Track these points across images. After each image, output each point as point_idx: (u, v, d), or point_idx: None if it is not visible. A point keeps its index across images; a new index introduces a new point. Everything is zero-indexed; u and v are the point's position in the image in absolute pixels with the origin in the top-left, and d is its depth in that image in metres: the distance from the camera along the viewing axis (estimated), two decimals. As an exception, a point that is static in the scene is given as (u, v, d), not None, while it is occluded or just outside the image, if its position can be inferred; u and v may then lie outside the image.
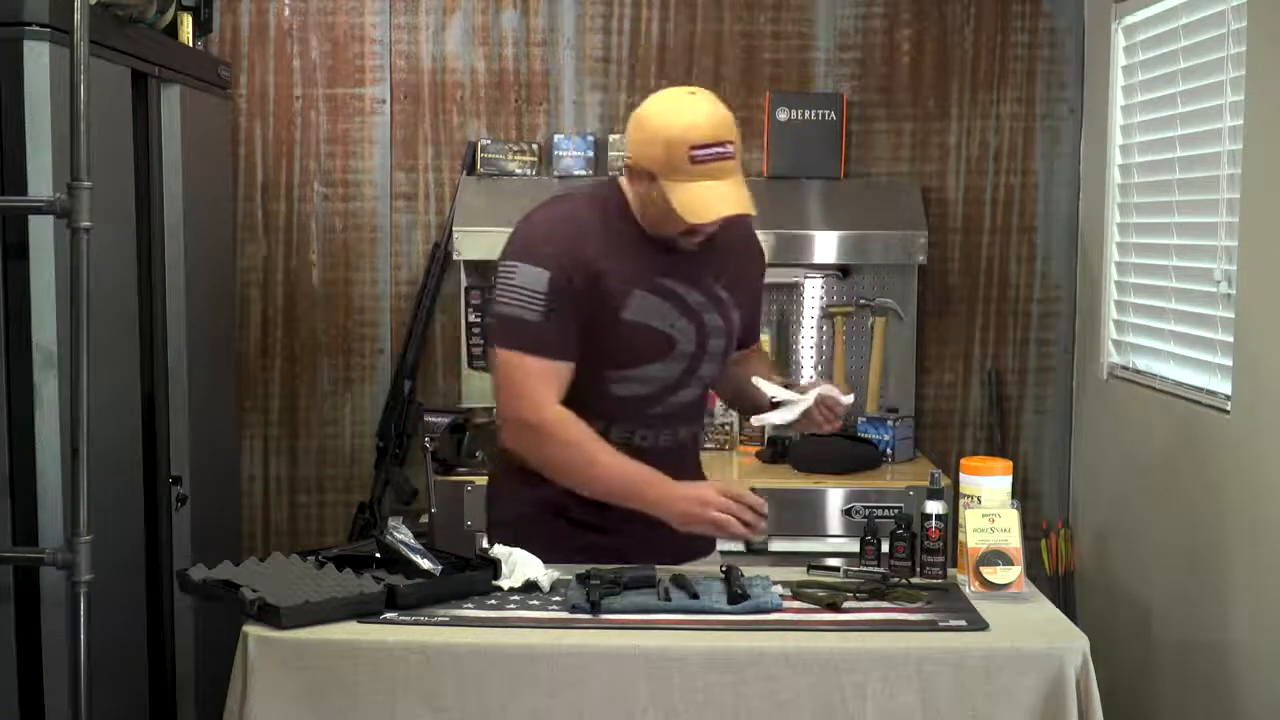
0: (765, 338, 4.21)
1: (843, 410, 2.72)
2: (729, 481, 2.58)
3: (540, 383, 2.56)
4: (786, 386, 2.74)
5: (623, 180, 2.66)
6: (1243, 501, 3.13)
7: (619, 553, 2.56)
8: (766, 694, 2.22)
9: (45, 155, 2.59)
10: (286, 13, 4.25)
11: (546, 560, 2.54)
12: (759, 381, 2.70)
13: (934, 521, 2.60)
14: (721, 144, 2.49)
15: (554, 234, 2.59)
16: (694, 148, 2.47)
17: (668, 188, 2.50)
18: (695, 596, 2.40)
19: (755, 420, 2.74)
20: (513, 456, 2.73)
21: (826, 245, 4.05)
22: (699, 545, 2.71)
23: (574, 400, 2.61)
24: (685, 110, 2.51)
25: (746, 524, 2.51)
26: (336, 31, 4.27)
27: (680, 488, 2.56)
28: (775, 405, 2.70)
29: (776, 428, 2.91)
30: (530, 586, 2.48)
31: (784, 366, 4.25)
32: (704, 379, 2.72)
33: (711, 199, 2.50)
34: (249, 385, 4.32)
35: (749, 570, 2.54)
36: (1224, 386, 3.23)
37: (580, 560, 2.54)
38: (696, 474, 2.80)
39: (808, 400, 2.67)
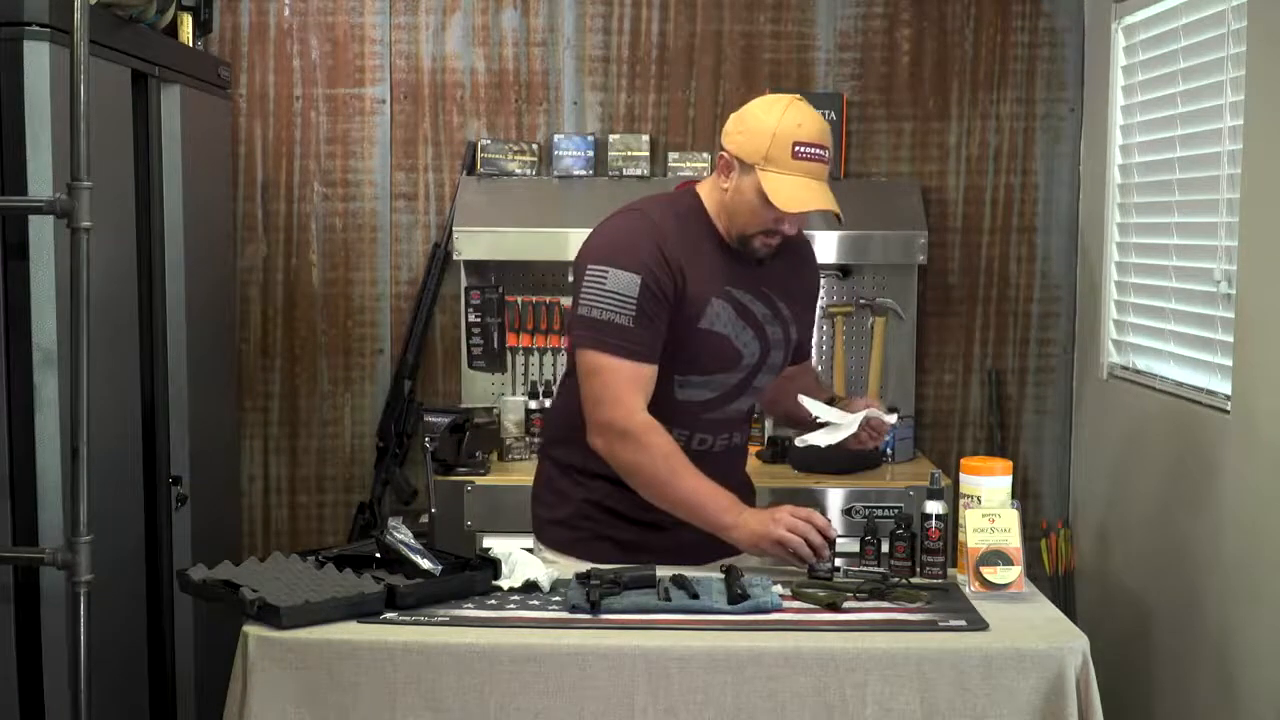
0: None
1: (887, 430, 2.78)
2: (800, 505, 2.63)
3: (630, 387, 2.59)
4: (830, 403, 2.77)
5: (701, 188, 2.74)
6: (1243, 501, 3.13)
7: (675, 551, 2.61)
8: (766, 694, 2.22)
9: (45, 155, 2.59)
10: (286, 13, 4.25)
11: (601, 560, 2.58)
12: (805, 400, 2.73)
13: (934, 521, 2.60)
14: (822, 147, 2.62)
15: (643, 240, 2.63)
16: (798, 143, 2.59)
17: (764, 178, 2.59)
18: (695, 596, 2.40)
19: (799, 440, 2.80)
20: (560, 456, 2.78)
21: (826, 245, 4.05)
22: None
23: None
24: (795, 110, 2.63)
25: (813, 548, 2.53)
26: (336, 31, 4.27)
27: (752, 511, 2.62)
28: (820, 425, 2.71)
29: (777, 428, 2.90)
30: (530, 586, 2.48)
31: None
32: (759, 389, 2.79)
33: (803, 192, 2.60)
34: (249, 385, 4.32)
35: (749, 570, 2.55)
36: (1224, 386, 3.23)
37: (638, 558, 2.57)
38: (744, 476, 2.89)
39: (854, 425, 2.69)
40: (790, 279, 2.81)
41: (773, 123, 2.60)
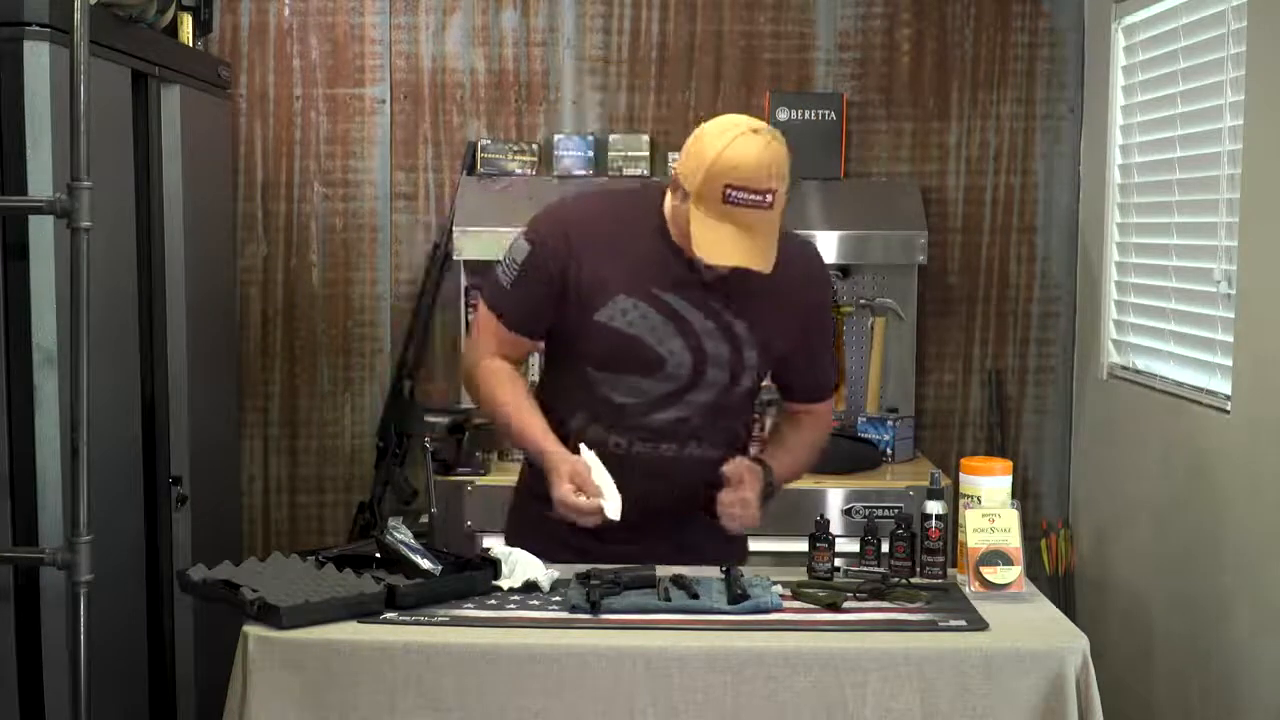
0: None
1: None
2: (586, 466, 2.53)
3: (489, 337, 2.68)
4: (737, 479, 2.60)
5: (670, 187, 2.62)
6: (1243, 501, 3.13)
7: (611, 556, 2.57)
8: (766, 694, 2.22)
9: (45, 155, 2.59)
10: (286, 13, 4.25)
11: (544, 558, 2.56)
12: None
13: (934, 521, 2.60)
14: (761, 193, 2.41)
15: (559, 217, 2.65)
16: (730, 186, 2.40)
17: (693, 214, 2.45)
18: (695, 596, 2.40)
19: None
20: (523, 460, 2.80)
21: (826, 245, 4.05)
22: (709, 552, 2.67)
23: (561, 391, 2.67)
24: (739, 145, 2.41)
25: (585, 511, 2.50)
26: (336, 31, 4.27)
27: (562, 453, 2.55)
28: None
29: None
30: (530, 586, 2.48)
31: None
32: (696, 404, 2.62)
33: (725, 244, 2.43)
34: (249, 385, 4.32)
35: (749, 570, 2.55)
36: (1224, 386, 3.24)
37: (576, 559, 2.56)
38: (691, 493, 2.64)
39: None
40: (767, 303, 2.59)
41: (711, 155, 2.41)
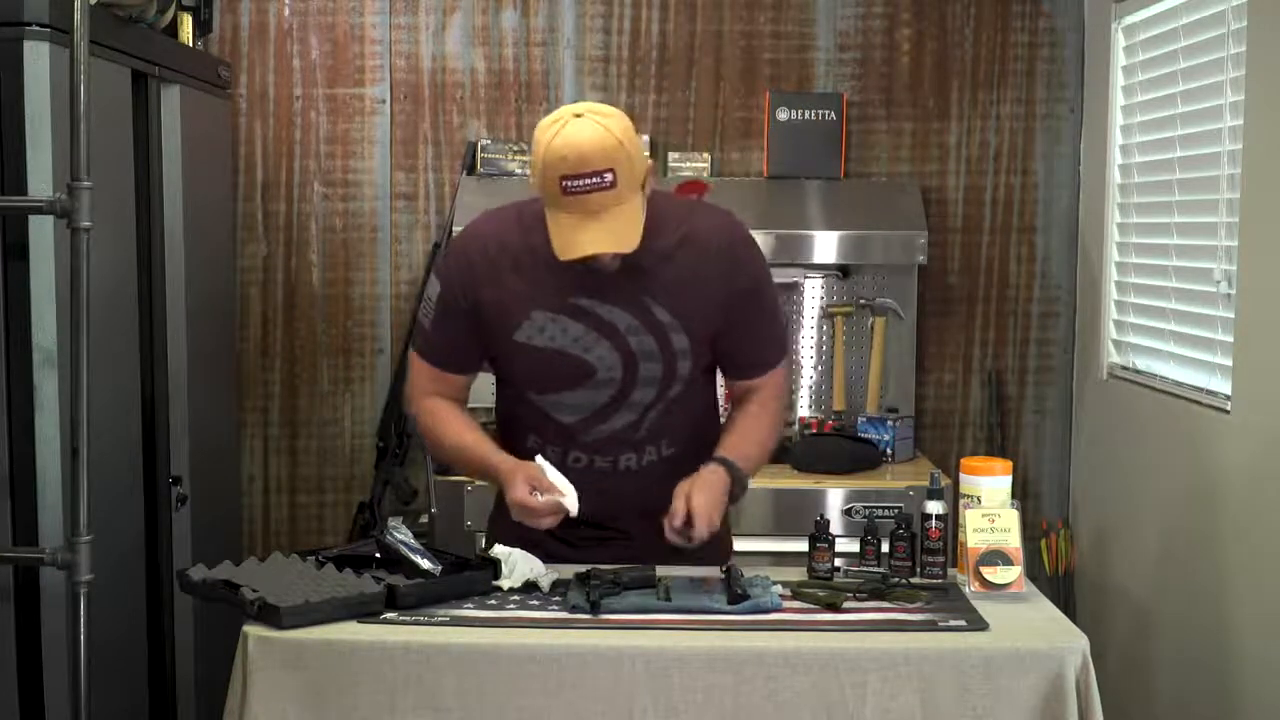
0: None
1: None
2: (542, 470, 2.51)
3: (422, 379, 2.69)
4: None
5: None
6: (1243, 501, 3.13)
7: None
8: (766, 694, 2.22)
9: (45, 155, 2.59)
10: (286, 13, 4.25)
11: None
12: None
13: (934, 521, 2.60)
14: (597, 174, 2.34)
15: (463, 248, 2.62)
16: (565, 177, 2.34)
17: (548, 215, 2.41)
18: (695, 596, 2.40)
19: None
20: None
21: (826, 245, 4.05)
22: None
23: (511, 417, 2.68)
24: (564, 134, 2.35)
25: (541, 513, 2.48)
26: (336, 31, 4.27)
27: (516, 462, 2.54)
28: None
29: None
30: (530, 586, 2.48)
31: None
32: (641, 404, 2.58)
33: (576, 237, 2.37)
34: (249, 385, 4.32)
35: (749, 570, 2.55)
36: (1224, 386, 3.24)
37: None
38: (652, 499, 2.53)
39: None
40: (679, 280, 2.51)
41: (542, 151, 2.36)
